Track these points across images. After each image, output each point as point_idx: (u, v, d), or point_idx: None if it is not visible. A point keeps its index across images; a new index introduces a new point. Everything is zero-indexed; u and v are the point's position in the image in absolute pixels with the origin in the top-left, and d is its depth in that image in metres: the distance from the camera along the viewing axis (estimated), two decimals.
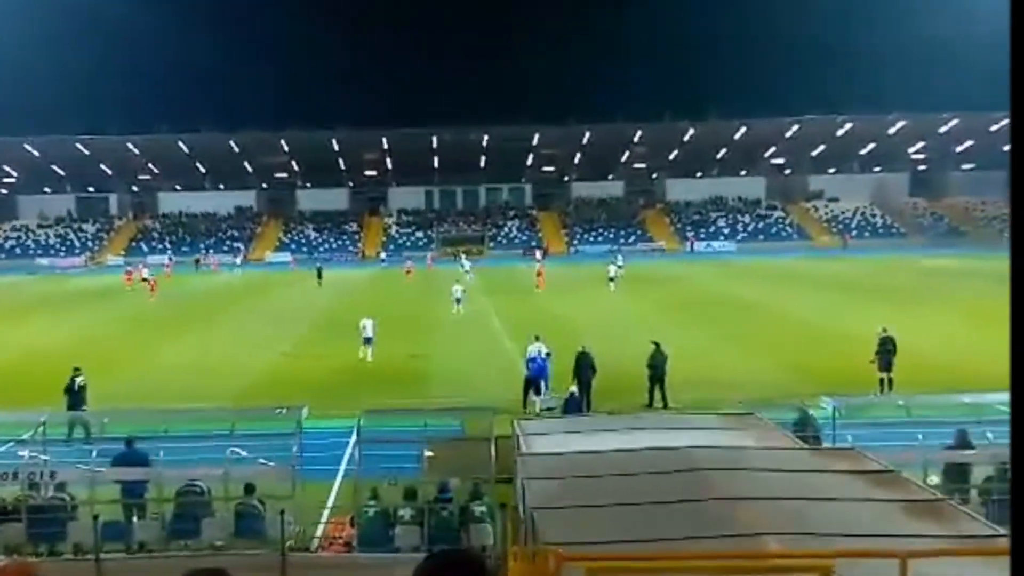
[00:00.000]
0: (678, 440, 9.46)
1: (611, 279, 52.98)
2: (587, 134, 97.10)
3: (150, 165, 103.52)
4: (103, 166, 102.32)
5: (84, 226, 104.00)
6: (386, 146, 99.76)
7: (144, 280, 57.80)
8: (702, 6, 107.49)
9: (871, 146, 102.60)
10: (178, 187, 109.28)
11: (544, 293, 50.01)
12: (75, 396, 20.55)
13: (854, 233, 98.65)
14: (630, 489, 7.63)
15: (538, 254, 79.42)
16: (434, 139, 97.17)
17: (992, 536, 6.63)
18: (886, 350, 23.24)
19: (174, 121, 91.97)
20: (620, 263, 59.95)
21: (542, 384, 22.39)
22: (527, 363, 23.01)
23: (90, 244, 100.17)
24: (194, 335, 36.64)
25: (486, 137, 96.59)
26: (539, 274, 54.30)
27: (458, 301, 41.91)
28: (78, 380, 20.79)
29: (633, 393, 22.49)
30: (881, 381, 22.95)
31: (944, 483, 12.97)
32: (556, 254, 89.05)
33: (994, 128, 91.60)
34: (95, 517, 11.51)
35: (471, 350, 31.51)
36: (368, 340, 29.42)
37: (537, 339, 23.86)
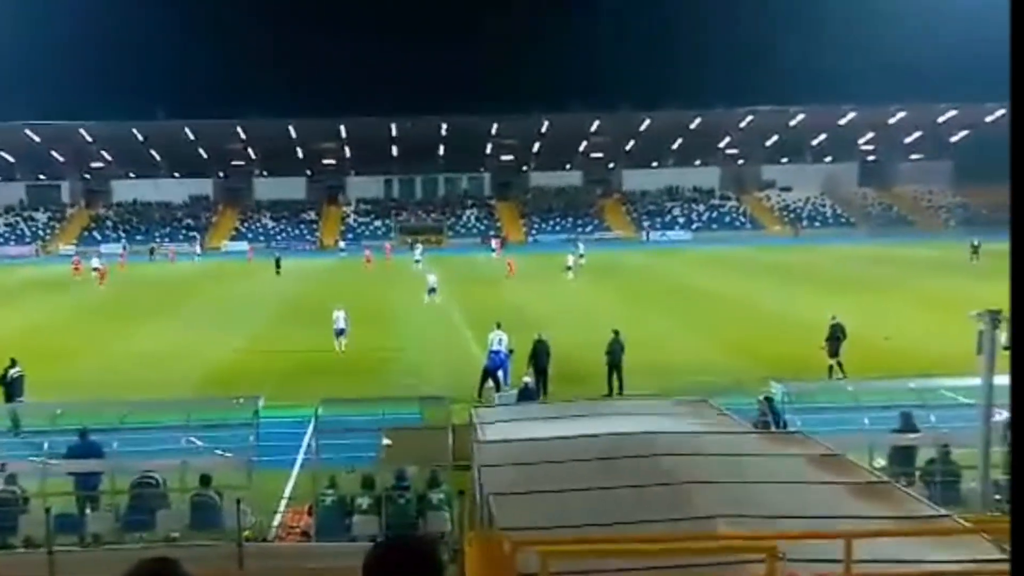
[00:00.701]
0: (631, 426, 9.61)
1: (568, 268, 53.30)
2: (545, 124, 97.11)
3: (103, 152, 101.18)
4: (55, 153, 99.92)
5: (35, 215, 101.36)
6: (344, 135, 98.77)
7: (95, 270, 56.65)
8: None
9: (822, 137, 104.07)
10: (132, 175, 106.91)
11: (510, 281, 50.21)
12: (10, 387, 20.32)
13: (805, 222, 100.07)
14: (584, 474, 7.75)
15: (494, 243, 79.33)
16: (393, 128, 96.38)
17: (935, 516, 6.84)
18: (835, 337, 23.84)
19: (128, 108, 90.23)
20: (582, 252, 60.24)
21: (500, 377, 22.50)
22: (489, 353, 23.07)
23: (41, 233, 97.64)
24: (149, 325, 36.11)
25: (445, 126, 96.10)
26: (509, 265, 54.49)
27: (432, 291, 41.73)
28: (11, 372, 20.53)
29: (590, 380, 22.70)
30: (831, 367, 23.51)
31: (890, 466, 13.34)
32: (514, 243, 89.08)
33: (941, 120, 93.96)
34: (47, 509, 11.38)
35: (438, 340, 31.46)
36: (341, 331, 29.17)
37: (499, 326, 23.94)
